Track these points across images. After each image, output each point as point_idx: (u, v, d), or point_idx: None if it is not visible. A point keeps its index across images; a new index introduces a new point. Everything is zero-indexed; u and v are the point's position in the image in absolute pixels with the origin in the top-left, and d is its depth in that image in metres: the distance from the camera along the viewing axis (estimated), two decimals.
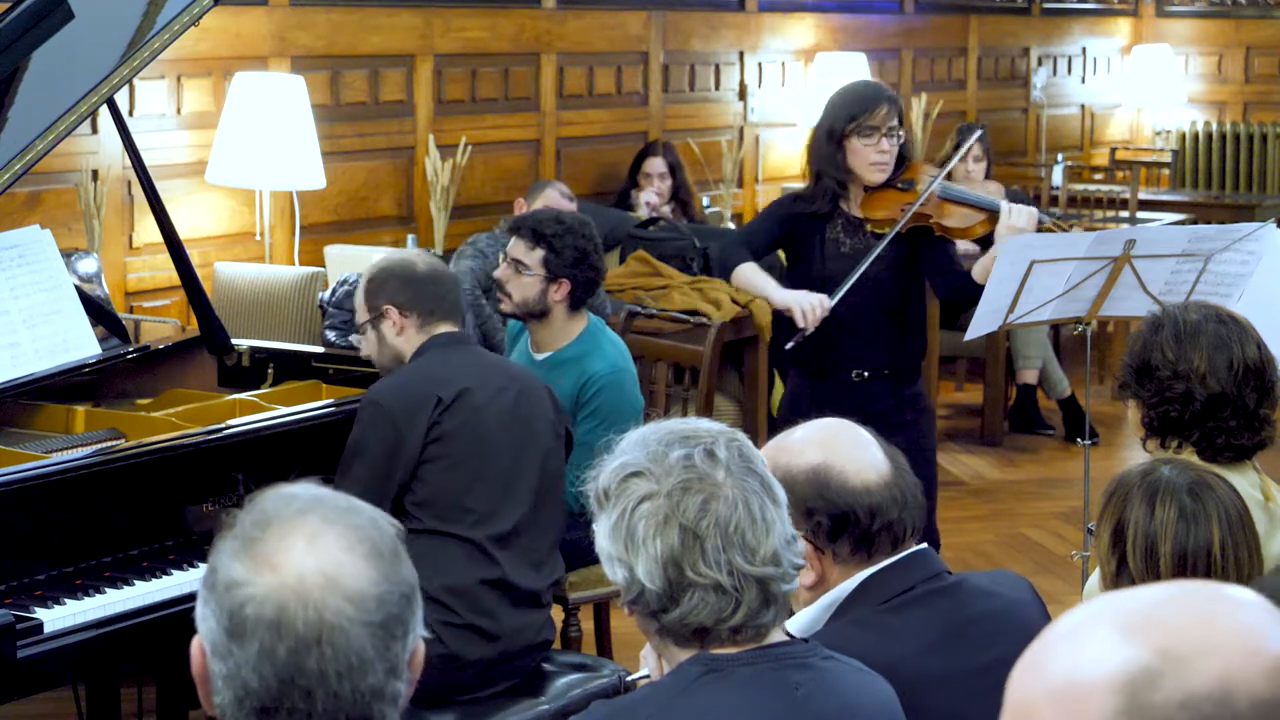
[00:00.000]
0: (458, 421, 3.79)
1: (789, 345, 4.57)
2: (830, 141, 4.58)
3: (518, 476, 3.88)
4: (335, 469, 3.83)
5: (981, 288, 4.53)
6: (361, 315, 4.01)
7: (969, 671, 2.48)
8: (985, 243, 4.86)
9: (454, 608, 3.73)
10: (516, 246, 4.64)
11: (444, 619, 3.68)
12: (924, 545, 2.59)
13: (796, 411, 4.43)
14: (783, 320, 4.65)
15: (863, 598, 2.52)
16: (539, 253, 4.61)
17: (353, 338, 4.16)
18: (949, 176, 4.80)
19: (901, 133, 4.61)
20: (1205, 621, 1.21)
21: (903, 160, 4.67)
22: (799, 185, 8.64)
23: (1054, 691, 1.22)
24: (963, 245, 7.65)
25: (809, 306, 4.50)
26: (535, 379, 4.13)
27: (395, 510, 3.64)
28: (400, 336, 3.94)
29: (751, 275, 4.66)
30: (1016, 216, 4.52)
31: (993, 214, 4.62)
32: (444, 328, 3.95)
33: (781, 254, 5.00)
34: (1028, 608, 2.64)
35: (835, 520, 2.48)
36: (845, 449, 2.55)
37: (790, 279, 4.73)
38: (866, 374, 4.65)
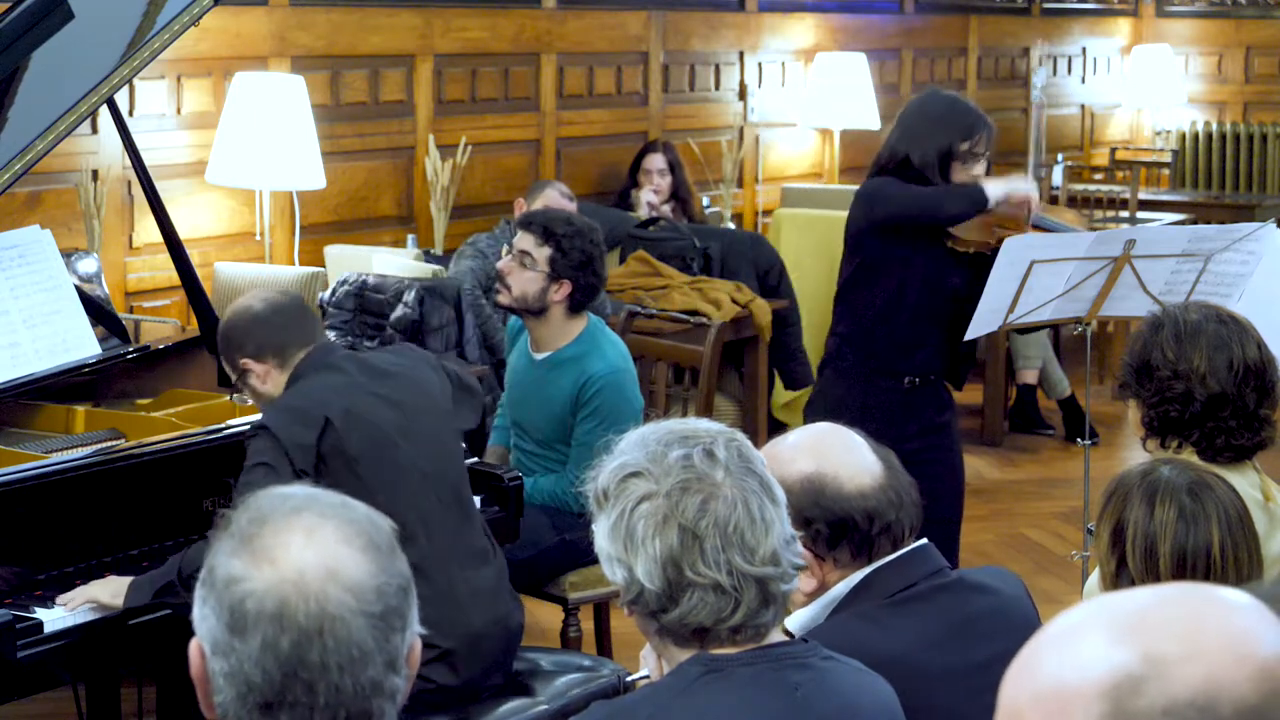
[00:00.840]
0: (352, 445, 3.63)
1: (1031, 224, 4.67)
2: (940, 157, 4.60)
3: (421, 485, 3.74)
4: None
5: None
6: (233, 377, 3.85)
7: (971, 667, 2.49)
8: None
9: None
10: (525, 240, 4.64)
11: None
12: (924, 541, 2.59)
13: (839, 417, 4.41)
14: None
15: (864, 594, 2.53)
16: (546, 250, 4.61)
17: (234, 398, 4.04)
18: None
19: (990, 158, 4.69)
20: (1193, 625, 1.19)
21: None
22: (800, 185, 8.65)
23: (1041, 694, 1.21)
24: None
25: (1030, 187, 4.69)
26: (417, 359, 3.96)
27: None
28: (267, 384, 3.76)
29: (996, 183, 4.68)
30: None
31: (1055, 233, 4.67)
32: (303, 353, 3.75)
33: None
34: (1024, 603, 2.67)
35: (834, 527, 2.48)
36: (838, 454, 2.54)
37: (861, 289, 4.71)
38: (917, 380, 4.66)
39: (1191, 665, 1.17)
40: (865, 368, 4.66)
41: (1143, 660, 1.17)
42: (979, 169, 4.65)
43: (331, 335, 5.45)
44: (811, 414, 4.81)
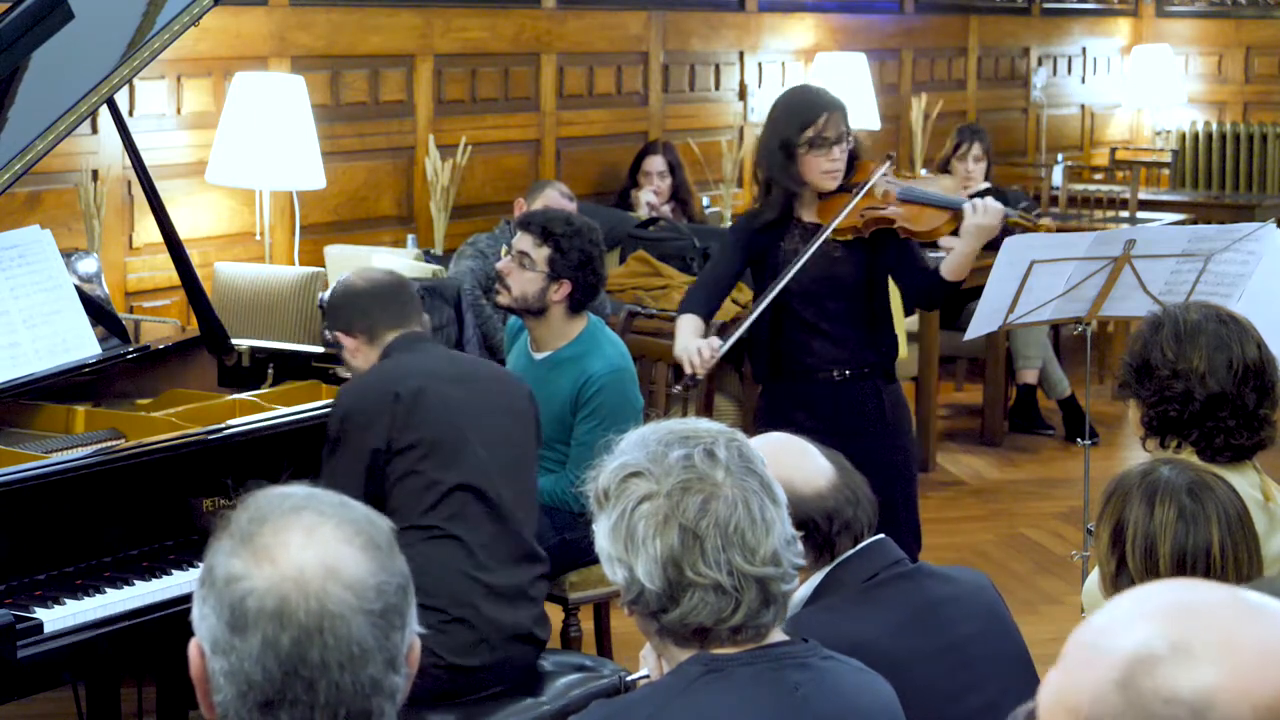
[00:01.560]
0: (420, 416, 3.79)
1: (675, 388, 4.60)
2: (783, 152, 4.52)
3: (491, 462, 3.86)
4: None
5: (952, 284, 4.47)
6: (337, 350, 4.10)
7: (940, 649, 2.58)
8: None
9: (437, 606, 3.70)
10: (524, 240, 4.65)
11: (427, 622, 3.63)
12: (881, 536, 2.67)
13: (779, 417, 4.40)
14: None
15: (829, 590, 2.61)
16: (545, 250, 4.61)
17: (339, 370, 4.24)
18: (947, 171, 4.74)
19: (851, 137, 4.57)
20: (1233, 631, 1.21)
21: (853, 161, 4.61)
22: None
23: (1081, 642, 1.27)
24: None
25: (693, 351, 4.48)
26: (505, 373, 4.19)
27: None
28: (357, 357, 3.99)
29: (680, 327, 4.63)
30: (982, 213, 4.38)
31: (957, 212, 4.50)
32: (394, 334, 3.97)
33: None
34: (988, 592, 2.75)
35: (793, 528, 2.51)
36: (791, 459, 2.61)
37: (759, 294, 4.68)
38: (849, 373, 4.59)
39: (1209, 667, 1.19)
40: (796, 367, 4.60)
41: (1170, 646, 1.21)
42: (836, 154, 4.49)
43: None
44: (759, 420, 4.78)
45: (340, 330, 4.01)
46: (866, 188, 4.50)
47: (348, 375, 4.09)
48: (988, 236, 4.40)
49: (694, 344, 4.50)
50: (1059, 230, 7.47)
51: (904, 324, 6.98)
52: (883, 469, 4.44)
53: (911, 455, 4.77)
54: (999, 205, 4.43)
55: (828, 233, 4.46)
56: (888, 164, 4.57)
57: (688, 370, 4.49)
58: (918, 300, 4.72)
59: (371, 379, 3.87)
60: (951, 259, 4.46)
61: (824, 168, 4.50)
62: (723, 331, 4.67)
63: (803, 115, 4.50)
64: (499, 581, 3.81)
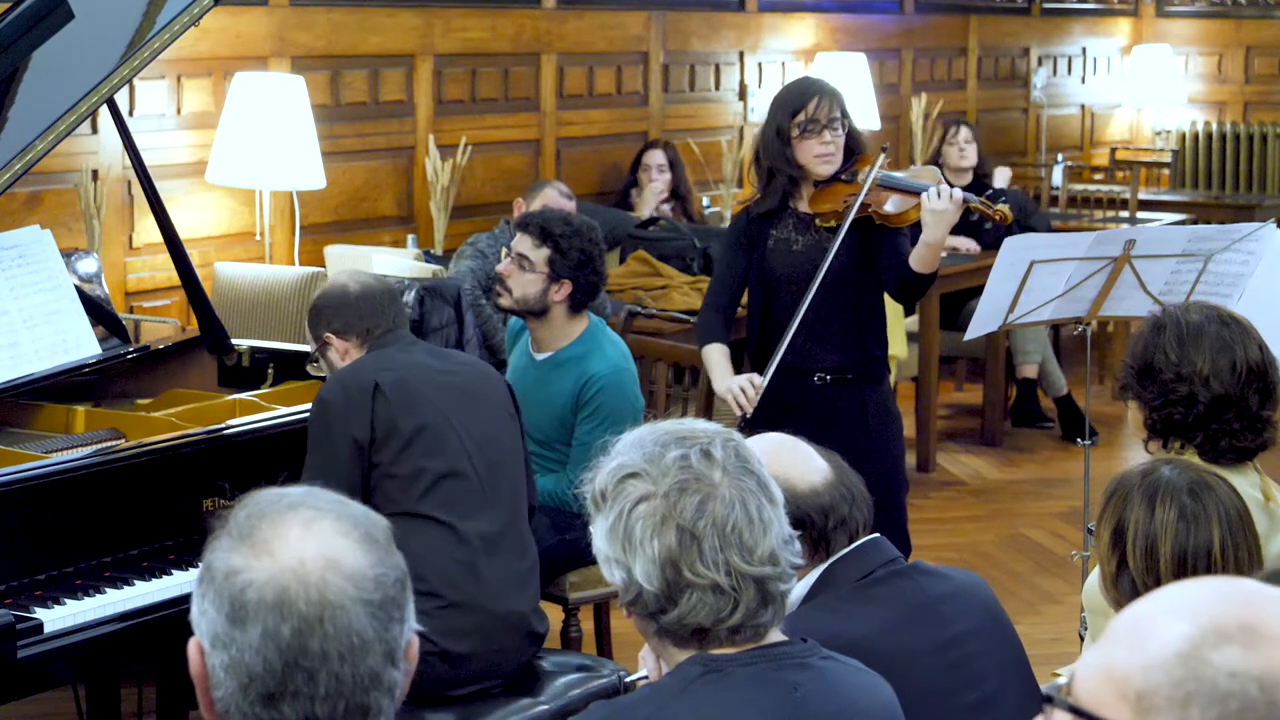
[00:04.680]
0: (402, 405, 3.78)
1: (739, 425, 4.51)
2: (779, 140, 4.55)
3: (478, 452, 3.85)
4: None
5: (921, 276, 4.45)
6: (312, 348, 4.07)
7: (935, 646, 2.58)
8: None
9: (431, 592, 3.69)
10: (522, 242, 4.64)
11: (423, 607, 3.61)
12: (876, 535, 2.68)
13: (761, 417, 4.40)
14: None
15: (824, 588, 2.61)
16: (545, 251, 4.61)
17: (309, 367, 4.19)
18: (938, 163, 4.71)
19: (845, 123, 4.58)
20: None
21: (851, 153, 4.62)
22: None
23: (1135, 621, 1.29)
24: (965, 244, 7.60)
25: (737, 391, 4.49)
26: (485, 367, 4.13)
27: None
28: (346, 360, 3.96)
29: (710, 361, 4.65)
30: (941, 199, 4.37)
31: (920, 196, 4.48)
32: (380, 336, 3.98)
33: None
34: (982, 588, 2.76)
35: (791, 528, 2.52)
36: (786, 457, 2.63)
37: (749, 285, 4.70)
38: (829, 377, 4.58)
39: (1278, 651, 1.22)
40: (765, 368, 4.59)
41: (1240, 628, 1.24)
42: (828, 137, 4.51)
43: None
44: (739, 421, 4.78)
45: (333, 332, 3.99)
46: (871, 177, 4.51)
47: (323, 375, 4.07)
48: (948, 223, 4.38)
49: (734, 383, 4.52)
50: (1058, 230, 7.50)
51: (903, 324, 6.99)
52: (868, 477, 4.45)
53: (899, 464, 4.72)
54: (957, 191, 4.41)
55: (852, 212, 4.47)
56: (883, 156, 4.58)
57: (737, 412, 4.51)
58: (894, 293, 4.67)
59: (351, 371, 3.87)
60: (917, 249, 4.45)
61: (816, 151, 4.53)
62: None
63: (795, 101, 4.56)
64: (493, 568, 3.80)
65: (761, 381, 4.49)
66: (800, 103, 4.54)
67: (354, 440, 3.73)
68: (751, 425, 4.40)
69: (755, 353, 4.71)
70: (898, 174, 4.64)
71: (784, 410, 4.46)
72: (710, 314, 4.75)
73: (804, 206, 4.60)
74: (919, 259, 4.44)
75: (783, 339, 4.49)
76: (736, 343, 6.66)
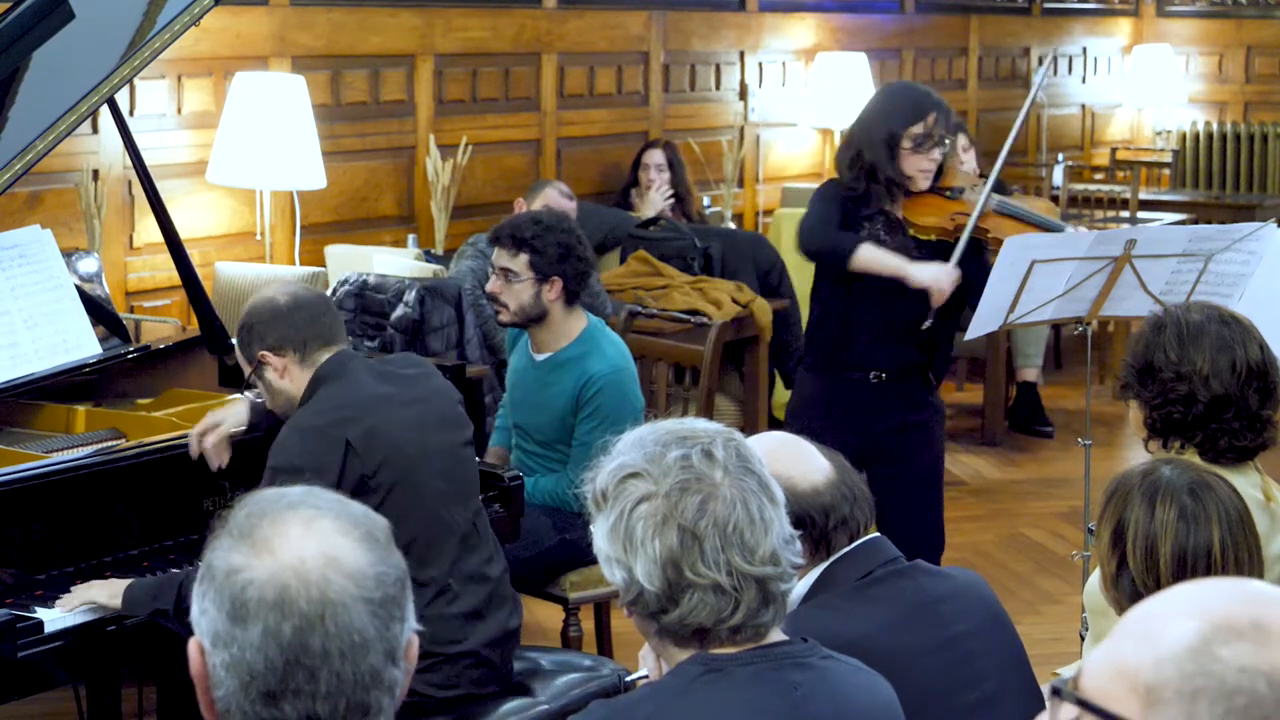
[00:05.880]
0: (373, 460, 3.57)
1: (927, 324, 4.56)
2: (886, 145, 4.57)
3: (437, 503, 3.70)
4: None
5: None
6: (246, 370, 3.76)
7: (936, 645, 2.59)
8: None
9: (430, 652, 3.60)
10: (500, 256, 4.62)
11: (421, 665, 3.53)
12: (877, 534, 2.69)
13: (813, 414, 4.49)
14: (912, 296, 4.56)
15: (825, 587, 2.61)
16: (524, 257, 4.59)
17: (248, 394, 3.91)
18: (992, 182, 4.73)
19: (948, 140, 4.63)
20: None
21: (939, 165, 4.69)
22: (800, 185, 8.65)
23: (1146, 617, 1.30)
24: None
25: (941, 279, 4.52)
26: (438, 379, 3.87)
27: None
28: (285, 379, 3.68)
29: (879, 255, 4.56)
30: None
31: (1052, 233, 4.60)
32: (325, 354, 3.68)
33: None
34: (983, 588, 2.76)
35: (792, 526, 2.52)
36: (787, 456, 2.63)
37: (823, 285, 4.74)
38: (884, 375, 4.65)
39: None
40: (830, 364, 4.68)
41: (1251, 626, 1.25)
42: (936, 154, 4.59)
43: None
44: (788, 414, 4.84)
45: (267, 349, 3.66)
46: (983, 201, 4.60)
47: (260, 397, 3.80)
48: None
49: (938, 275, 4.52)
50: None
51: None
52: (908, 476, 4.50)
53: (938, 459, 4.83)
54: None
55: (969, 230, 4.53)
56: (992, 178, 4.68)
57: (937, 302, 4.52)
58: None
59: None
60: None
61: (922, 166, 4.60)
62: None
63: (913, 112, 4.58)
64: (469, 605, 3.73)
65: (954, 272, 4.52)
66: (918, 115, 4.57)
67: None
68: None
69: (826, 351, 4.70)
70: (1022, 205, 4.77)
71: (820, 405, 4.53)
72: (835, 230, 4.65)
73: (896, 210, 4.65)
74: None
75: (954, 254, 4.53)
76: (740, 342, 6.68)
